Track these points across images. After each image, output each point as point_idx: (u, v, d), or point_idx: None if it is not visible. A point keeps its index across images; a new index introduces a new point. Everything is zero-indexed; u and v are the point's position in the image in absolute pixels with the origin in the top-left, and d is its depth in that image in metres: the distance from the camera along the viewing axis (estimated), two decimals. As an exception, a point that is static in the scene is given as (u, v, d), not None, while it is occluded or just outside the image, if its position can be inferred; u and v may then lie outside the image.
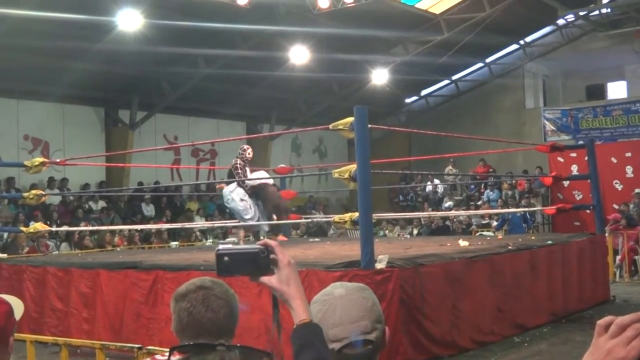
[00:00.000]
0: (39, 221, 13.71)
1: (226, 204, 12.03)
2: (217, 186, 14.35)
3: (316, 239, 15.80)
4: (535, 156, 19.64)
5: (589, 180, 12.79)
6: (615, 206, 18.09)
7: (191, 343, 2.12)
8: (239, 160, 11.59)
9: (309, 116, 23.77)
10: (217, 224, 17.60)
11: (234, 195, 11.53)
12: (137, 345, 5.34)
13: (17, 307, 2.18)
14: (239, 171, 11.44)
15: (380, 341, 1.82)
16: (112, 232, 16.98)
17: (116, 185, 19.23)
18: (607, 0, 22.30)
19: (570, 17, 23.10)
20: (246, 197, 11.50)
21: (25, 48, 15.92)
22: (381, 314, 1.84)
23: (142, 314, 9.01)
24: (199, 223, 18.71)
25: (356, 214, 7.91)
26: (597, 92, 25.48)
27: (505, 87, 25.73)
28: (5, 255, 12.23)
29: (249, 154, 11.75)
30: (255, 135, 22.56)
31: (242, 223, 11.75)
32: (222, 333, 2.26)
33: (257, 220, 11.57)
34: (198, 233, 19.05)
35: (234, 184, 11.62)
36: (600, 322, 1.14)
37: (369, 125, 8.06)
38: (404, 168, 23.20)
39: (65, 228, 14.59)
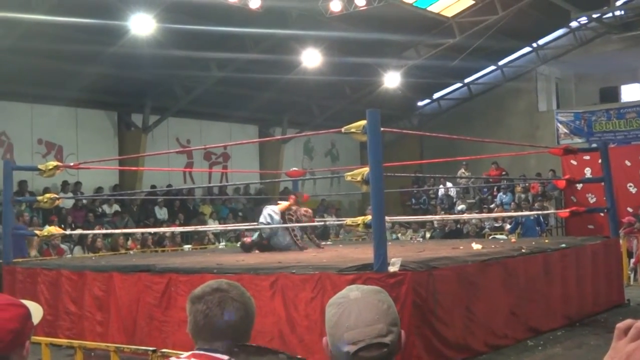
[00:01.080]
0: (54, 225, 13.77)
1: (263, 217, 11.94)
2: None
3: (328, 242, 15.80)
4: (548, 159, 19.55)
5: (602, 184, 12.71)
6: (629, 209, 17.98)
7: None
8: (294, 216, 11.66)
9: (321, 119, 23.78)
10: (230, 227, 17.65)
11: (267, 217, 11.55)
12: (151, 348, 5.36)
13: (37, 312, 2.19)
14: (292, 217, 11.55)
15: (396, 344, 1.82)
16: (126, 235, 17.03)
17: (129, 189, 19.29)
18: (620, 2, 22.21)
19: (584, 20, 23.00)
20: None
21: (39, 52, 16.03)
22: (397, 317, 1.84)
23: (156, 316, 9.03)
24: (212, 226, 18.77)
25: (369, 217, 7.91)
26: (610, 94, 25.36)
27: (518, 90, 25.65)
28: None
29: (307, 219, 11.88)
30: (267, 139, 22.61)
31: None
32: (238, 336, 2.26)
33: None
34: (212, 236, 19.11)
35: (278, 210, 11.58)
36: (620, 325, 1.14)
37: (382, 129, 8.05)
38: (416, 171, 23.16)
39: (79, 231, 14.66)
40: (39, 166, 11.78)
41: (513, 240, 14.14)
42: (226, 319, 2.24)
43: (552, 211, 18.48)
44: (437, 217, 19.99)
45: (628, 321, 1.13)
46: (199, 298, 2.28)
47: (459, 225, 19.55)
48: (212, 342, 2.23)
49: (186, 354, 2.28)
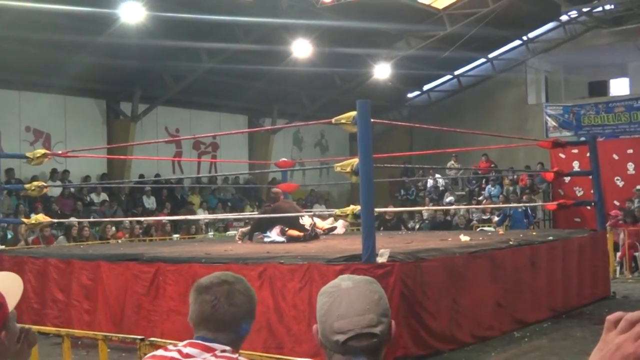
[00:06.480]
0: (39, 213, 13.71)
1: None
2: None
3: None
4: (536, 152, 19.61)
5: (590, 177, 12.79)
6: (616, 202, 18.10)
7: None
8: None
9: (311, 110, 23.76)
10: (220, 216, 17.66)
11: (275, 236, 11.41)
12: (139, 337, 5.35)
13: (15, 285, 2.10)
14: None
15: (386, 335, 1.82)
16: (116, 224, 16.99)
17: (117, 178, 19.23)
18: (610, -4, 22.27)
19: (574, 13, 23.04)
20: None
21: (28, 40, 15.92)
22: (388, 307, 1.84)
23: (143, 306, 9.03)
24: (201, 215, 18.77)
25: (358, 208, 7.92)
26: (599, 88, 25.44)
27: (508, 83, 25.70)
28: (3, 247, 12.26)
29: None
30: (257, 129, 22.57)
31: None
32: (240, 328, 2.31)
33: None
34: (203, 226, 19.13)
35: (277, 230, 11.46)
36: (610, 317, 1.15)
37: (372, 120, 8.05)
38: (405, 163, 23.19)
39: (70, 220, 14.61)
40: (27, 154, 11.69)
41: (501, 232, 14.19)
42: (232, 312, 2.27)
43: (540, 203, 18.57)
44: (425, 208, 20.05)
45: (618, 313, 1.14)
46: (207, 288, 2.31)
47: (448, 217, 19.60)
48: (216, 332, 2.26)
49: (183, 342, 2.30)
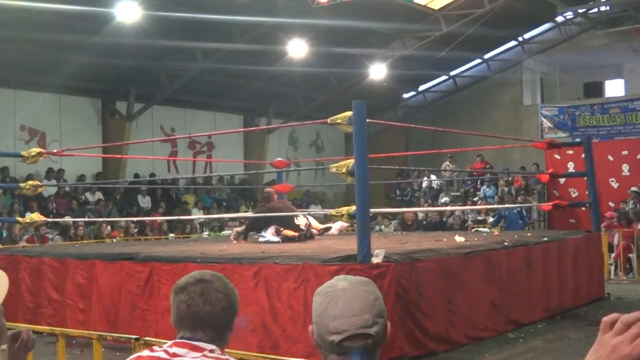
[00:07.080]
0: (34, 212, 13.69)
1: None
2: None
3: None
4: (532, 153, 19.64)
5: (585, 178, 12.80)
6: (611, 204, 18.13)
7: None
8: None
9: (307, 110, 23.75)
10: (215, 216, 17.66)
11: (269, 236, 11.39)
12: (134, 336, 5.34)
13: (1, 281, 2.10)
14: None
15: (381, 336, 1.82)
16: (111, 223, 16.96)
17: (112, 177, 19.20)
18: (606, -3, 22.33)
19: (569, 14, 23.09)
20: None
21: (23, 39, 15.89)
22: (383, 308, 1.84)
23: (138, 305, 9.02)
24: (196, 215, 18.76)
25: (353, 208, 7.92)
26: (594, 89, 25.50)
27: (503, 84, 25.73)
28: None
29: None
30: (252, 129, 22.56)
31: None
32: (220, 326, 2.28)
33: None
34: (198, 225, 19.12)
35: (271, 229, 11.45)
36: (606, 319, 1.15)
37: (367, 120, 8.04)
38: (400, 163, 23.20)
39: (64, 219, 14.57)
40: (22, 153, 11.66)
41: (496, 233, 14.21)
42: (208, 310, 2.25)
43: (535, 204, 18.59)
44: (420, 209, 20.07)
45: (614, 315, 1.15)
46: (182, 288, 2.30)
47: (442, 218, 19.62)
48: (195, 331, 2.25)
49: (169, 342, 2.29)
